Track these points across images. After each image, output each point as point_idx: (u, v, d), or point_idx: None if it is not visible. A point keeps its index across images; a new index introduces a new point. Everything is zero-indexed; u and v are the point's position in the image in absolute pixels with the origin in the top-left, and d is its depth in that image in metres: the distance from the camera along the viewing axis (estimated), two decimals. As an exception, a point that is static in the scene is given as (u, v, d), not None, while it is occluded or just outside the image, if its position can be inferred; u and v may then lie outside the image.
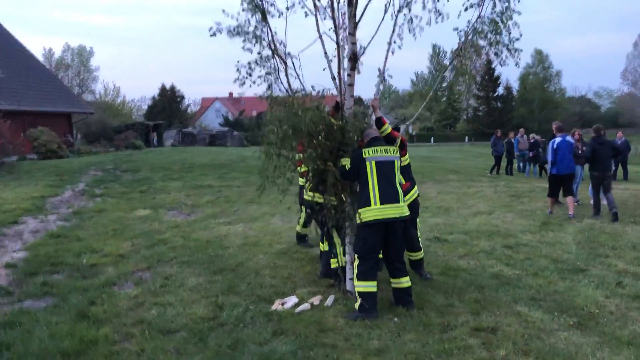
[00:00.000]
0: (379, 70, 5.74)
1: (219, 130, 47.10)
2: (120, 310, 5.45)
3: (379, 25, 5.58)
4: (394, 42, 5.65)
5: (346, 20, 5.45)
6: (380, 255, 5.62)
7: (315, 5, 5.58)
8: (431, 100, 67.49)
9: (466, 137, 63.71)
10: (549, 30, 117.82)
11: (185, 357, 4.46)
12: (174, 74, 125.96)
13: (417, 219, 6.78)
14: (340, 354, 4.50)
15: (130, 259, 7.43)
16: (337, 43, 5.51)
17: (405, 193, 5.95)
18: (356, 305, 5.31)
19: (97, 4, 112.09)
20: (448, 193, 14.50)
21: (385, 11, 5.52)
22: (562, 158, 11.01)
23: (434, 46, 75.92)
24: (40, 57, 48.93)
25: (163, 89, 61.25)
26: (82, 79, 64.26)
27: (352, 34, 5.44)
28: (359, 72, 5.63)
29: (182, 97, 63.24)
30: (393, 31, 5.61)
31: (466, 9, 5.86)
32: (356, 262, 5.41)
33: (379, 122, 5.80)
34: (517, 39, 5.94)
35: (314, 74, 5.85)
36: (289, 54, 5.68)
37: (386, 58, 5.67)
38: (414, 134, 63.47)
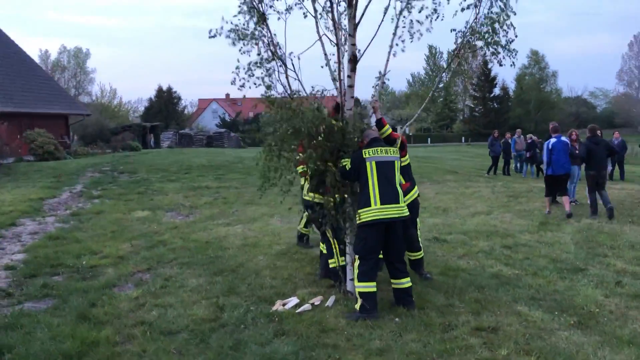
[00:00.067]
0: (380, 72, 5.76)
1: (216, 132, 47.10)
2: (121, 312, 5.45)
3: (379, 27, 5.60)
4: (396, 44, 5.67)
5: (346, 22, 5.46)
6: (381, 256, 5.63)
7: (314, 7, 5.59)
8: (429, 101, 67.55)
9: (463, 138, 63.81)
10: (545, 31, 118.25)
11: (188, 358, 4.46)
12: (171, 75, 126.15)
13: (417, 219, 6.80)
14: (342, 354, 4.50)
15: (129, 260, 7.42)
16: (337, 44, 5.52)
17: (405, 193, 5.97)
18: (357, 306, 5.31)
19: (93, 6, 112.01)
20: (446, 193, 14.53)
21: (385, 12, 5.53)
22: (557, 159, 11.07)
23: (430, 47, 76.05)
24: (36, 58, 48.84)
25: (160, 90, 61.22)
26: (79, 80, 64.25)
27: (352, 35, 5.45)
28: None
29: (179, 99, 63.26)
30: (394, 34, 5.63)
31: (463, 10, 5.89)
32: (357, 263, 5.41)
33: (380, 124, 5.82)
34: (512, 40, 5.97)
35: (313, 74, 5.87)
36: (289, 54, 5.69)
37: (387, 61, 5.69)
38: (410, 134, 63.51)
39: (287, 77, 5.71)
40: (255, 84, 5.58)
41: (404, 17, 5.65)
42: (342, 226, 5.78)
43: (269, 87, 5.72)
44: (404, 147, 6.15)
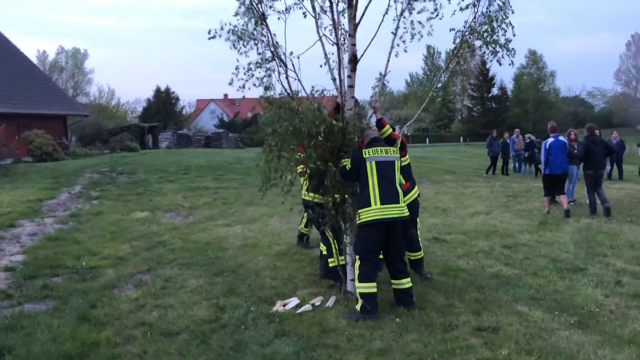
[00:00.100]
0: (380, 74, 5.77)
1: (214, 132, 47.05)
2: (121, 313, 5.44)
3: (378, 28, 5.61)
4: (397, 45, 5.68)
5: (345, 22, 5.47)
6: (381, 256, 5.63)
7: (313, 8, 5.59)
8: (424, 100, 67.54)
9: (461, 138, 63.84)
10: (542, 31, 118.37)
11: (188, 359, 4.46)
12: (169, 76, 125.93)
13: (417, 219, 6.80)
14: (343, 354, 4.50)
15: (129, 261, 7.42)
16: (337, 45, 5.52)
17: (406, 193, 5.97)
18: (357, 307, 5.31)
19: (91, 6, 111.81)
20: (445, 193, 14.54)
21: (386, 13, 5.54)
22: (554, 158, 11.11)
23: (429, 47, 76.06)
24: (34, 59, 48.77)
25: (158, 90, 61.16)
26: (77, 81, 64.17)
27: (352, 35, 5.46)
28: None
29: (177, 99, 63.20)
30: (395, 35, 5.63)
31: (462, 10, 5.90)
32: (357, 263, 5.41)
33: (380, 124, 5.82)
34: (510, 40, 5.98)
35: (313, 75, 5.87)
36: (290, 54, 5.69)
37: (388, 61, 5.70)
38: (409, 134, 63.48)
39: (287, 78, 5.71)
40: (255, 84, 5.58)
41: (405, 18, 5.65)
42: (342, 226, 5.78)
43: (267, 88, 5.72)
44: (404, 147, 6.16)
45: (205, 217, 10.92)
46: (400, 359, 4.41)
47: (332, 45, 5.62)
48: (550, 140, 11.27)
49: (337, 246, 6.12)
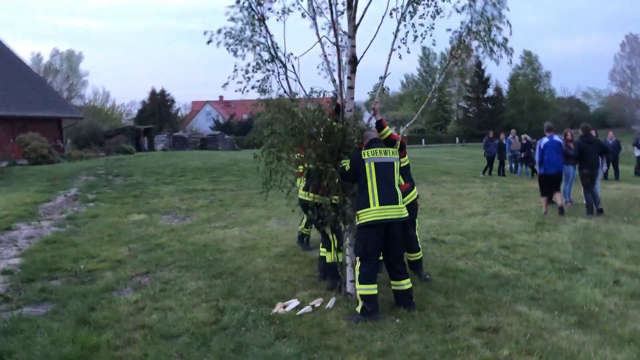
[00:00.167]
0: (381, 77, 5.79)
1: (210, 134, 46.99)
2: (120, 316, 5.42)
3: (378, 29, 5.62)
4: (398, 47, 5.69)
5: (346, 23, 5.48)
6: (381, 257, 5.63)
7: (313, 9, 5.59)
8: (423, 102, 67.56)
9: (457, 139, 63.93)
10: (537, 32, 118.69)
11: (189, 361, 4.45)
12: (164, 78, 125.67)
13: (416, 220, 6.81)
14: (344, 356, 4.50)
15: (128, 264, 7.39)
16: (337, 46, 5.53)
17: (405, 194, 5.98)
18: (358, 308, 5.31)
19: (85, 8, 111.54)
20: (442, 194, 14.56)
21: (387, 14, 5.54)
22: (548, 158, 11.18)
23: (424, 48, 76.07)
24: (28, 62, 48.57)
25: (153, 92, 61.07)
26: (72, 83, 63.93)
27: (352, 36, 5.46)
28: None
29: (172, 101, 63.14)
30: (395, 37, 5.65)
31: (458, 12, 5.92)
32: (358, 265, 5.41)
33: (380, 125, 5.83)
34: (507, 40, 6.00)
35: (312, 76, 5.87)
36: (289, 55, 5.68)
37: (388, 63, 5.71)
38: (405, 135, 63.50)
39: (287, 79, 5.71)
40: (253, 87, 5.58)
41: (405, 20, 5.67)
42: (341, 227, 5.79)
43: (263, 91, 5.73)
44: (403, 148, 6.16)
45: (202, 219, 10.90)
46: (402, 359, 4.41)
47: (330, 46, 5.63)
48: (545, 140, 11.36)
49: (336, 243, 6.13)
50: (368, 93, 6.40)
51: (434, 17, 5.72)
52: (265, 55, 5.65)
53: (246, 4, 5.51)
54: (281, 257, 7.71)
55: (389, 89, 6.16)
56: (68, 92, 62.11)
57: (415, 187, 6.72)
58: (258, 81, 5.64)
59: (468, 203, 12.94)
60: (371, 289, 5.30)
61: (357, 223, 5.47)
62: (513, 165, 21.50)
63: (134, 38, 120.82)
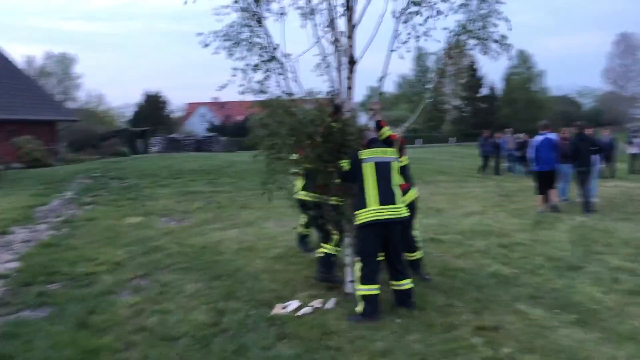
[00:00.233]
0: (380, 77, 5.79)
1: (205, 136, 46.93)
2: (120, 319, 5.39)
3: (376, 30, 5.62)
4: (397, 47, 5.70)
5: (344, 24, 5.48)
6: (381, 258, 5.63)
7: (312, 10, 5.59)
8: (418, 102, 67.68)
9: (449, 139, 63.98)
10: (531, 31, 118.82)
11: (190, 364, 4.43)
12: (158, 80, 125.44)
13: (415, 220, 6.81)
14: (346, 356, 4.50)
15: (126, 266, 7.36)
16: (336, 46, 5.52)
17: (403, 194, 5.97)
18: (358, 309, 5.30)
19: (77, 11, 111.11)
20: (439, 194, 14.57)
21: (393, 17, 5.55)
22: (542, 155, 11.33)
23: (419, 48, 76.15)
24: (21, 65, 48.30)
25: (147, 95, 60.90)
26: (65, 86, 63.66)
27: (350, 37, 5.46)
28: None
29: (167, 103, 62.95)
30: (394, 38, 5.65)
31: (455, 12, 5.93)
32: (358, 265, 5.40)
33: (378, 125, 5.83)
34: (505, 37, 6.00)
35: (310, 76, 5.86)
36: (288, 56, 5.67)
37: (386, 63, 5.71)
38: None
39: (285, 79, 5.70)
40: (253, 88, 5.56)
41: (405, 23, 5.68)
42: (341, 227, 5.79)
43: (262, 92, 5.71)
44: (402, 148, 6.17)
45: (200, 221, 10.86)
46: (403, 359, 4.41)
47: (331, 46, 5.62)
48: (540, 137, 11.48)
49: (337, 239, 6.15)
50: (364, 95, 6.39)
51: (436, 15, 5.73)
52: (264, 56, 5.63)
53: (244, 5, 5.50)
54: (280, 258, 7.69)
55: (385, 94, 6.17)
56: (62, 94, 61.84)
57: (414, 188, 6.72)
58: (257, 82, 5.62)
59: (465, 202, 12.96)
60: (372, 290, 5.29)
61: (356, 223, 5.47)
62: (509, 164, 21.54)
63: (127, 40, 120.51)
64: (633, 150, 20.33)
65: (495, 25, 5.90)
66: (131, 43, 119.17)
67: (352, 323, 5.13)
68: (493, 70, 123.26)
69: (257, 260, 7.59)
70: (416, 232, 6.79)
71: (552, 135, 11.63)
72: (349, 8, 5.40)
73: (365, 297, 5.28)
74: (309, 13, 5.60)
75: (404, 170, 6.32)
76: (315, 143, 5.45)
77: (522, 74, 69.92)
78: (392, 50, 5.75)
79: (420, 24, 5.74)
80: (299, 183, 6.53)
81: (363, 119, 6.13)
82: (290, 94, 5.71)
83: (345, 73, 5.59)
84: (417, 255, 6.63)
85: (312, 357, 4.49)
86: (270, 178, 5.57)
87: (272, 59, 5.62)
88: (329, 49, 5.64)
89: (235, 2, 5.47)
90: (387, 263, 5.62)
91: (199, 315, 5.44)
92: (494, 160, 20.97)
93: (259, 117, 5.73)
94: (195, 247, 8.45)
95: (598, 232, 9.04)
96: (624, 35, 71.28)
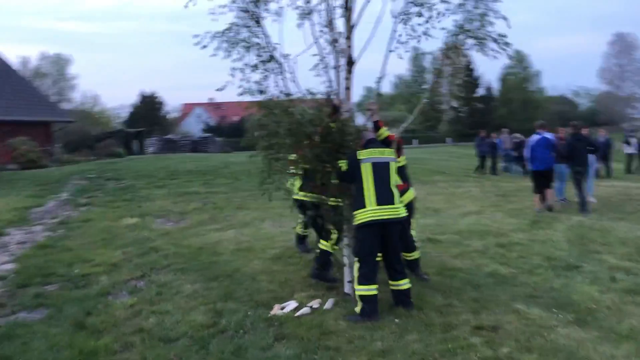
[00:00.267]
0: (378, 77, 5.80)
1: (201, 136, 46.86)
2: (117, 320, 5.37)
3: (373, 31, 5.61)
4: (396, 47, 5.70)
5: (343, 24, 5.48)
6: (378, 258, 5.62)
7: (310, 10, 5.58)
8: (414, 103, 67.79)
9: (446, 139, 64.08)
10: (527, 31, 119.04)
11: (189, 365, 4.41)
12: (154, 81, 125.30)
13: (413, 220, 6.81)
14: (344, 356, 4.49)
15: (123, 267, 7.33)
16: (334, 47, 5.52)
17: (402, 194, 5.97)
18: (357, 309, 5.30)
19: (72, 11, 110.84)
20: (436, 194, 14.59)
21: (393, 18, 5.55)
22: (537, 155, 11.39)
23: (415, 48, 76.13)
24: (16, 65, 48.12)
25: (143, 95, 60.77)
26: (60, 87, 63.45)
27: (348, 37, 5.46)
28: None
29: (163, 104, 62.81)
30: (393, 39, 5.66)
31: (453, 13, 5.94)
32: (357, 265, 5.40)
33: (376, 126, 5.83)
34: (504, 35, 6.00)
35: (308, 76, 5.86)
36: (287, 56, 5.67)
37: (384, 64, 5.72)
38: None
39: (284, 79, 5.69)
40: (252, 88, 5.55)
41: (405, 24, 5.69)
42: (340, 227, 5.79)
43: (261, 92, 5.71)
44: (400, 149, 6.17)
45: (196, 222, 10.83)
46: (402, 359, 4.41)
47: (329, 47, 5.61)
48: (536, 137, 11.53)
49: (335, 238, 6.16)
50: (361, 96, 6.45)
51: (436, 17, 5.74)
52: (263, 56, 5.62)
53: (242, 5, 5.48)
54: (277, 258, 7.68)
55: (381, 90, 6.16)
56: (57, 95, 61.62)
57: (412, 189, 6.73)
58: (256, 82, 5.60)
59: (462, 202, 12.98)
60: (371, 290, 5.29)
61: (354, 223, 5.47)
62: (505, 164, 21.60)
63: (122, 41, 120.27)
64: (629, 150, 20.39)
65: (492, 24, 5.90)
66: (126, 43, 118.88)
67: (350, 323, 5.12)
68: (489, 71, 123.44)
69: (254, 260, 7.58)
70: (413, 232, 6.79)
71: (549, 135, 11.66)
72: (347, 8, 5.39)
73: (363, 297, 5.27)
74: (307, 13, 5.59)
75: (401, 171, 6.33)
76: (314, 143, 5.45)
77: (519, 74, 70.11)
78: (390, 51, 5.75)
79: (420, 24, 5.74)
80: (297, 183, 6.53)
81: (360, 119, 6.12)
82: (288, 94, 5.70)
83: (343, 73, 5.58)
84: (415, 255, 6.62)
85: (310, 357, 4.48)
86: (269, 178, 5.56)
87: (271, 59, 5.62)
88: (327, 49, 5.64)
89: (233, 2, 5.46)
90: (385, 263, 5.62)
91: (197, 316, 5.42)
92: (491, 160, 21.02)
93: (257, 117, 5.72)
94: (192, 248, 8.42)
95: (595, 232, 9.06)
96: (620, 36, 71.59)
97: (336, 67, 5.62)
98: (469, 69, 62.96)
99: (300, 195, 6.50)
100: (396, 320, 5.20)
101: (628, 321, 5.12)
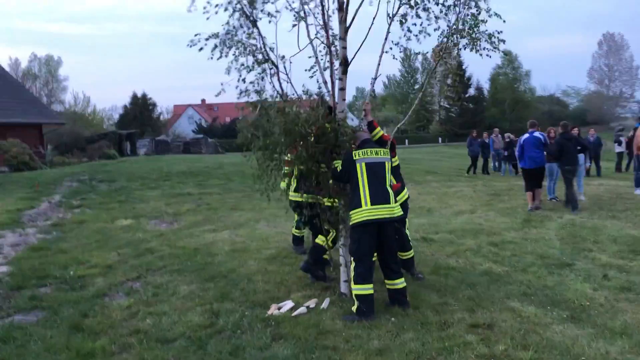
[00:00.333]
0: (372, 78, 5.82)
1: (193, 138, 46.80)
2: (114, 321, 5.36)
3: (368, 32, 5.65)
4: (390, 48, 5.74)
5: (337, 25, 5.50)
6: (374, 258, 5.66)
7: (304, 12, 5.61)
8: (406, 103, 68.09)
9: (439, 139, 64.34)
10: (516, 31, 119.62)
11: (187, 365, 4.42)
12: (145, 82, 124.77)
13: (406, 219, 6.85)
14: (342, 355, 4.51)
15: (118, 269, 7.32)
16: (329, 48, 5.54)
17: (396, 194, 6.01)
18: (354, 308, 5.33)
19: (62, 13, 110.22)
20: (428, 194, 14.66)
21: (388, 18, 5.57)
22: (527, 153, 11.56)
23: (405, 49, 76.33)
24: (6, 67, 47.79)
25: (134, 97, 60.54)
26: (51, 89, 63.09)
27: (343, 38, 5.49)
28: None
29: (154, 105, 62.62)
30: (386, 39, 5.69)
31: (445, 14, 5.98)
32: (353, 265, 5.42)
33: (371, 126, 5.86)
34: (497, 33, 6.04)
35: (303, 77, 5.88)
36: (282, 58, 5.69)
37: (378, 65, 5.75)
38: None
39: (279, 80, 5.71)
40: (247, 89, 5.56)
41: (401, 25, 5.73)
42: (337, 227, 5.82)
43: (258, 92, 5.72)
44: (393, 149, 6.20)
45: (190, 223, 10.83)
46: (399, 358, 4.43)
47: (324, 48, 5.65)
48: (526, 135, 11.70)
49: (332, 236, 6.19)
50: (352, 96, 6.47)
51: (434, 20, 5.79)
52: (259, 57, 5.63)
53: (238, 6, 5.49)
54: (273, 259, 7.69)
55: (375, 91, 6.20)
56: (47, 97, 61.30)
57: (406, 188, 6.77)
58: (251, 83, 5.62)
59: (454, 202, 13.05)
60: (367, 289, 5.32)
61: (350, 223, 5.50)
62: (497, 163, 21.74)
63: (113, 42, 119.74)
64: (619, 149, 20.56)
65: (484, 22, 5.94)
66: (117, 45, 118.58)
67: (347, 322, 5.15)
68: (480, 71, 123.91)
69: (250, 261, 7.59)
70: (407, 232, 6.83)
71: (539, 134, 11.76)
72: (341, 10, 5.42)
73: (360, 297, 5.30)
74: (302, 18, 5.61)
75: (395, 171, 6.37)
76: (309, 143, 5.47)
77: (509, 75, 70.47)
78: (385, 52, 5.78)
79: (415, 24, 5.78)
80: (293, 185, 6.54)
81: (351, 119, 6.16)
82: (283, 95, 5.73)
83: (337, 74, 5.61)
84: (409, 254, 6.66)
85: (308, 357, 4.49)
86: (265, 178, 5.58)
87: (267, 60, 5.63)
88: (322, 50, 5.68)
89: (229, 2, 5.46)
90: (381, 262, 5.65)
91: (193, 316, 5.43)
92: (483, 159, 21.15)
93: (252, 118, 5.73)
94: (187, 249, 8.42)
95: (587, 230, 9.15)
96: (609, 36, 72.22)
97: (331, 68, 5.64)
98: (460, 69, 63.35)
99: (296, 197, 6.52)
100: (392, 319, 5.23)
101: (622, 318, 5.18)
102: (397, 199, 5.97)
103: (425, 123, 73.35)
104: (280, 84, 5.74)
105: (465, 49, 6.29)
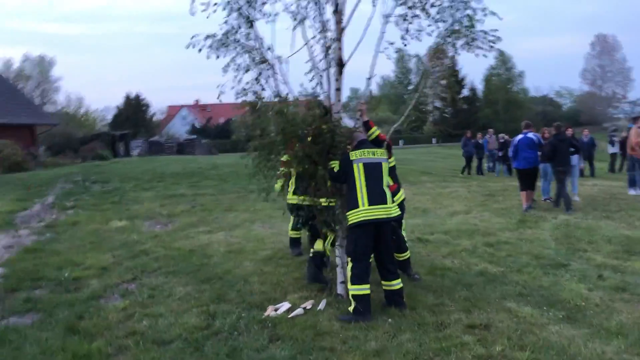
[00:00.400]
0: (367, 79, 5.83)
1: (187, 138, 46.66)
2: (110, 323, 5.33)
3: (364, 33, 5.66)
4: (386, 48, 5.75)
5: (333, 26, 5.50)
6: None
7: (304, 17, 5.60)
8: (400, 104, 68.11)
9: (433, 139, 64.43)
10: (510, 32, 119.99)
11: (184, 367, 4.40)
12: (139, 83, 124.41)
13: (403, 220, 6.86)
14: (339, 357, 4.50)
15: (113, 271, 7.28)
16: (325, 48, 5.54)
17: (393, 195, 6.01)
18: (350, 309, 5.32)
19: (55, 13, 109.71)
20: (423, 194, 14.69)
21: (385, 18, 5.57)
22: (521, 154, 11.63)
23: (399, 50, 76.39)
24: (-1, 68, 47.54)
25: (127, 97, 60.28)
26: (43, 89, 62.70)
27: (339, 39, 5.49)
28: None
29: (148, 106, 62.34)
30: (381, 40, 5.70)
31: (439, 14, 5.99)
32: (350, 265, 5.42)
33: (367, 126, 5.86)
34: (496, 30, 6.06)
35: (300, 77, 5.88)
36: (278, 58, 5.69)
37: (373, 65, 5.75)
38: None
39: (275, 81, 5.70)
40: (244, 89, 5.55)
41: (397, 25, 5.74)
42: (333, 228, 5.81)
43: (255, 93, 5.71)
44: (389, 149, 6.21)
45: (185, 224, 10.79)
46: (397, 359, 4.43)
47: (320, 48, 5.64)
48: (520, 136, 11.79)
49: (331, 239, 6.18)
50: (347, 97, 6.47)
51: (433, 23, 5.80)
52: (256, 58, 5.63)
53: (236, 6, 5.48)
54: (269, 260, 7.68)
55: (371, 91, 6.22)
56: (40, 98, 60.86)
57: (402, 189, 6.78)
58: (247, 83, 5.61)
59: (449, 202, 13.08)
60: (364, 290, 5.32)
61: (347, 224, 5.49)
62: (491, 164, 21.81)
63: (106, 42, 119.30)
64: (613, 149, 20.67)
65: (480, 21, 5.95)
66: (111, 45, 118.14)
67: (344, 323, 5.14)
68: (473, 72, 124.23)
69: (245, 262, 7.57)
70: (404, 233, 6.84)
71: (533, 135, 11.82)
72: (337, 11, 5.42)
73: (356, 297, 5.29)
74: (300, 18, 5.61)
75: (391, 171, 6.37)
76: (305, 144, 5.46)
77: (502, 75, 70.73)
78: (380, 52, 5.78)
79: (410, 23, 5.78)
80: (291, 188, 6.53)
81: (346, 120, 6.15)
82: (280, 95, 5.72)
83: (333, 75, 5.61)
84: (406, 255, 6.67)
85: (305, 358, 4.49)
86: (261, 179, 5.57)
87: (264, 61, 5.62)
88: (319, 51, 5.67)
89: (228, 2, 5.45)
90: (378, 263, 5.65)
91: (190, 318, 5.41)
92: (477, 160, 21.21)
93: (248, 118, 5.72)
94: (183, 250, 8.39)
95: (581, 230, 9.18)
96: (601, 37, 72.59)
97: (327, 69, 5.64)
98: (454, 70, 63.42)
99: (293, 199, 6.50)
100: (389, 320, 5.24)
101: (617, 318, 5.21)
102: (394, 199, 5.98)
103: (419, 124, 73.38)
104: (277, 84, 5.73)
105: (462, 49, 6.30)
